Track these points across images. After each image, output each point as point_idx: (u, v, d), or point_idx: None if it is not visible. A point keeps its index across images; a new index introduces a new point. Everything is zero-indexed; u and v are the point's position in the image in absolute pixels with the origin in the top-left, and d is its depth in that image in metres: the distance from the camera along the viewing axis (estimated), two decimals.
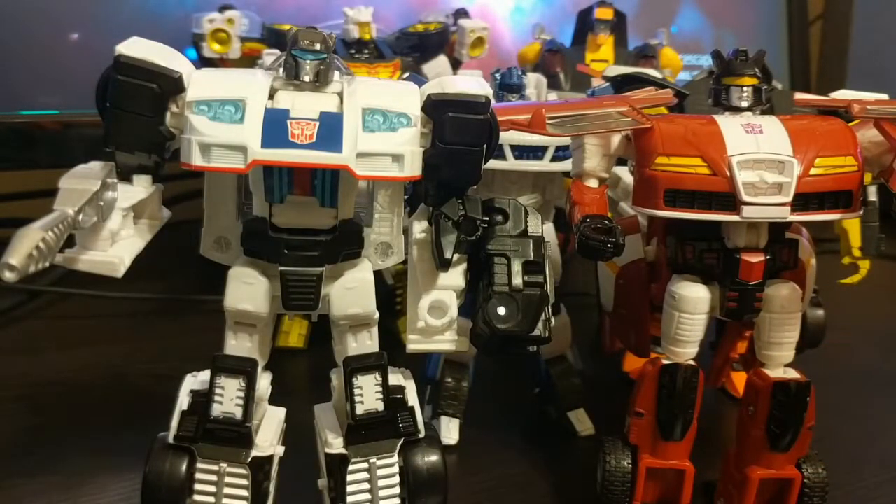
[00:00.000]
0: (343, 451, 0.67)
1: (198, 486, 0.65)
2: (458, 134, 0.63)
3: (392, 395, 0.68)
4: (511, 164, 0.92)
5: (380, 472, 0.67)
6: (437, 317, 0.67)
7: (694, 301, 0.78)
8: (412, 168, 0.62)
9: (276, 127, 0.59)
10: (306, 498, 0.72)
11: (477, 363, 1.02)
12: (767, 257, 0.76)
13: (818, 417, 0.79)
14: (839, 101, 0.79)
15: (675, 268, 0.80)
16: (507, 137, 0.87)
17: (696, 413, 0.80)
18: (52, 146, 1.36)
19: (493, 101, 0.65)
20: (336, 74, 0.64)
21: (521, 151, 0.92)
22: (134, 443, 0.69)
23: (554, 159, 0.93)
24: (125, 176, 0.65)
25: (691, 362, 0.79)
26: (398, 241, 0.71)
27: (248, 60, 1.33)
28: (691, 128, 0.75)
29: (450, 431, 0.97)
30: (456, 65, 1.46)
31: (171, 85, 0.62)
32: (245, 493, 0.66)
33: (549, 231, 0.95)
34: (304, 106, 0.61)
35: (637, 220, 0.91)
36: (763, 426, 0.79)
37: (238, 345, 0.68)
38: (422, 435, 0.69)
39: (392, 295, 1.17)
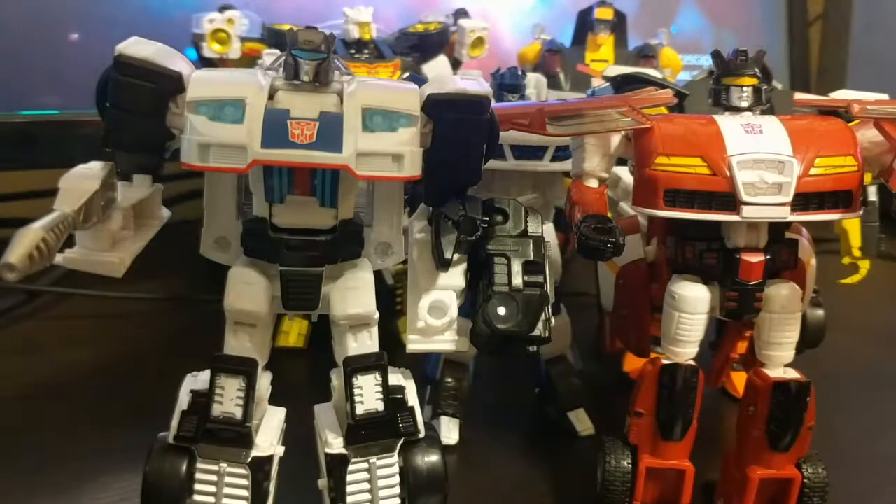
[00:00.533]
0: (343, 451, 0.67)
1: (198, 486, 0.65)
2: (458, 133, 0.63)
3: (392, 395, 0.68)
4: (511, 164, 0.92)
5: (380, 472, 0.67)
6: (437, 317, 0.67)
7: (694, 301, 0.78)
8: (412, 168, 0.62)
9: (276, 127, 0.59)
10: (306, 498, 0.72)
11: (477, 363, 1.01)
12: (767, 257, 0.76)
13: (818, 417, 0.79)
14: (839, 101, 0.79)
15: (675, 268, 0.80)
16: (507, 137, 0.87)
17: (696, 413, 0.80)
18: (52, 146, 1.36)
19: (493, 101, 0.65)
20: (336, 74, 0.64)
21: (521, 151, 0.92)
22: (134, 443, 0.69)
23: (554, 159, 0.93)
24: (125, 176, 0.65)
25: (691, 362, 0.79)
26: (398, 241, 0.71)
27: (248, 60, 1.33)
28: (691, 128, 0.75)
29: (450, 431, 0.97)
30: (456, 65, 1.45)
31: (171, 85, 0.62)
32: (245, 493, 0.66)
33: (549, 231, 0.95)
34: (304, 106, 0.61)
35: (637, 220, 0.91)
36: (763, 426, 0.79)
37: (238, 345, 0.68)
38: (422, 435, 0.69)
39: (392, 295, 1.17)
